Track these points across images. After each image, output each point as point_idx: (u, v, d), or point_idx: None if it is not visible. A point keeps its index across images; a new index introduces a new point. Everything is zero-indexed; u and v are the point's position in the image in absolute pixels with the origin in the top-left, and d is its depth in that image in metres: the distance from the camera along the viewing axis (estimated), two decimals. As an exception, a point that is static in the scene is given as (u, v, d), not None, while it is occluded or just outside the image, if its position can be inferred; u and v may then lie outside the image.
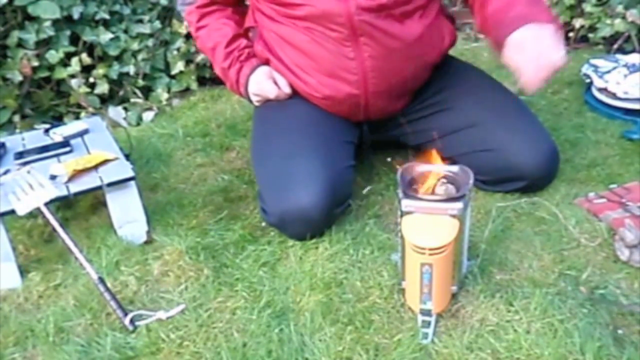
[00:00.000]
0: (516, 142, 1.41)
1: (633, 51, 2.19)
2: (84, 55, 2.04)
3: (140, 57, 2.15)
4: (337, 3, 1.31)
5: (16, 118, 2.01)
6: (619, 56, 1.99)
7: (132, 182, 1.37)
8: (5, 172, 1.37)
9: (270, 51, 1.48)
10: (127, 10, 2.14)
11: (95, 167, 1.38)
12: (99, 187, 1.33)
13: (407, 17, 1.37)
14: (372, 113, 1.49)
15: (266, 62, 1.50)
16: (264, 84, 1.49)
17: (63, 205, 1.52)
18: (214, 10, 1.55)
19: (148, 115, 2.12)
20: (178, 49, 2.23)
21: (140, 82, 2.18)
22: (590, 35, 2.34)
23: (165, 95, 2.20)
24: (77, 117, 2.04)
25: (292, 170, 1.33)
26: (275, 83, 1.49)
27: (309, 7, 1.33)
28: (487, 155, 1.42)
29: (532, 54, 1.21)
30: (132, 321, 1.15)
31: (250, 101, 1.56)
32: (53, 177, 1.33)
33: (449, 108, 1.50)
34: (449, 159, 1.18)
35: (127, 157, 1.45)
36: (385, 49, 1.36)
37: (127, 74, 2.14)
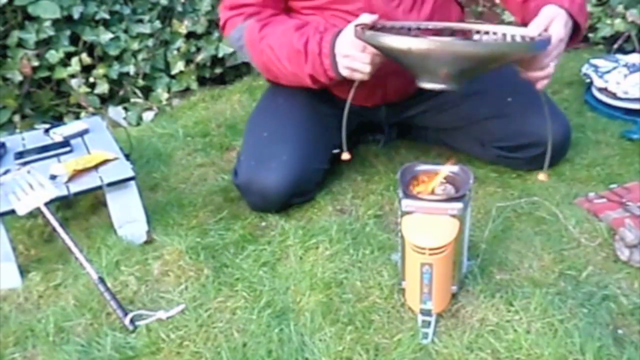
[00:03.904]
0: (530, 108, 1.48)
1: (633, 51, 2.19)
2: (84, 55, 2.05)
3: (140, 57, 2.15)
4: None
5: (16, 118, 2.01)
6: (619, 56, 1.99)
7: (132, 182, 1.37)
8: (5, 172, 1.37)
9: None
10: (127, 10, 2.14)
11: (95, 167, 1.38)
12: (99, 187, 1.33)
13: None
14: (391, 94, 1.55)
15: None
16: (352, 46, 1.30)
17: (63, 205, 1.52)
18: (272, 14, 1.47)
19: (148, 115, 2.13)
20: (178, 49, 2.23)
21: (140, 82, 2.18)
22: (591, 35, 2.34)
23: (165, 95, 2.20)
24: (77, 117, 2.05)
25: (272, 151, 1.44)
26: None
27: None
28: (500, 121, 1.51)
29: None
30: (132, 321, 1.15)
31: (338, 71, 1.33)
32: (53, 177, 1.33)
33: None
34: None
35: (127, 157, 1.45)
36: None
37: (127, 74, 2.15)
